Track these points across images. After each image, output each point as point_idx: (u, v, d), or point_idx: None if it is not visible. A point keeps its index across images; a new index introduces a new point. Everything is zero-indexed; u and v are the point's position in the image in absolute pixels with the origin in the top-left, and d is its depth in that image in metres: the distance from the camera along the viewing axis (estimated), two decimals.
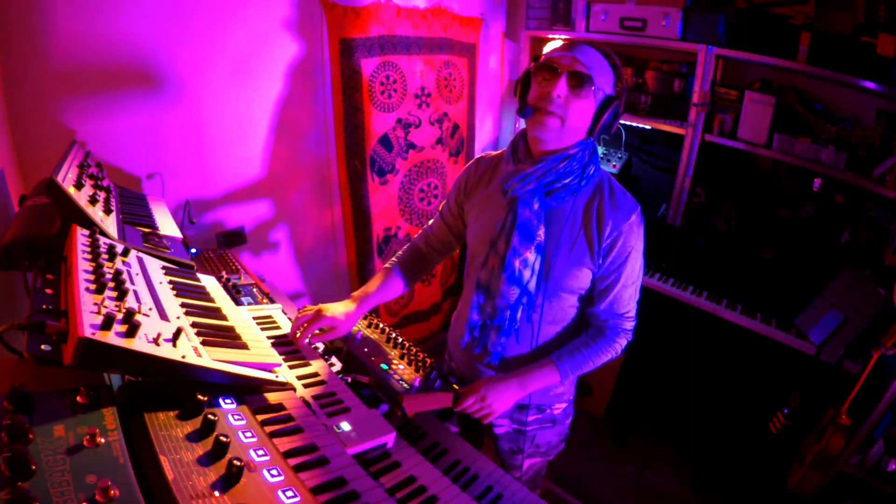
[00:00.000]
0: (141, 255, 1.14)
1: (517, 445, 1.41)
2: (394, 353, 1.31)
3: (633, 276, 1.21)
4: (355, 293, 1.37)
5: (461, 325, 1.34)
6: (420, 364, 1.28)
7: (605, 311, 1.23)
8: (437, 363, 1.33)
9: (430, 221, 1.49)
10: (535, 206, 1.16)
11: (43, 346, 0.73)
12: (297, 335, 1.24)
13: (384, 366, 1.23)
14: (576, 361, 1.22)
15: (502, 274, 1.20)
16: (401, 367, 1.26)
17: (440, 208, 1.46)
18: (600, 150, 2.92)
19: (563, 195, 1.17)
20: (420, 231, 1.52)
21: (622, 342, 1.25)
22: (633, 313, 1.25)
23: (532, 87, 1.14)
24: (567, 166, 1.14)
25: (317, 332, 1.26)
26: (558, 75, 1.08)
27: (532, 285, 1.20)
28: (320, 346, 1.30)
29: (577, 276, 1.19)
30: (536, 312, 1.24)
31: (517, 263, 1.18)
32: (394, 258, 1.47)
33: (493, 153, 1.35)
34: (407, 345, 1.37)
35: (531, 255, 1.17)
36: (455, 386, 1.23)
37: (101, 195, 1.27)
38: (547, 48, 1.15)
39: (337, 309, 1.29)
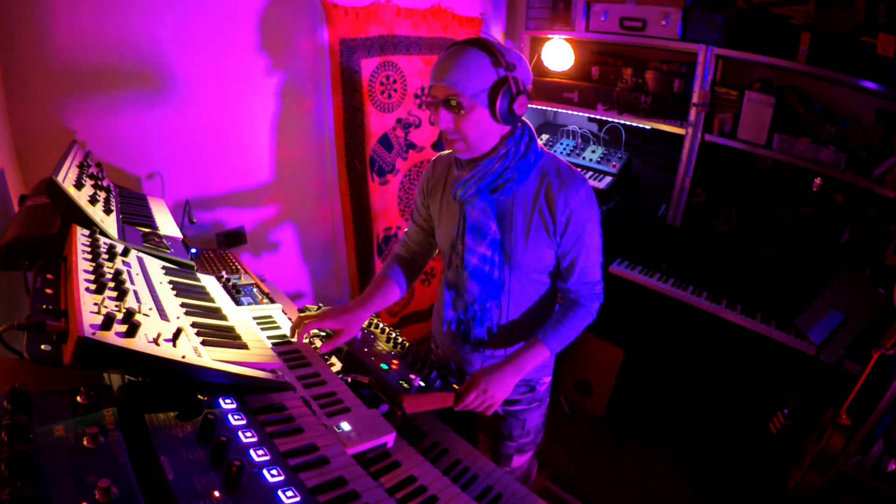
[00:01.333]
0: (141, 255, 1.14)
1: (508, 431, 1.45)
2: (394, 354, 1.31)
3: (593, 246, 1.27)
4: (355, 300, 1.38)
5: (441, 319, 1.42)
6: (420, 364, 1.28)
7: (576, 284, 1.29)
8: (436, 362, 1.34)
9: (406, 229, 1.53)
10: (482, 206, 1.22)
11: (43, 346, 0.73)
12: (299, 334, 1.25)
13: (384, 366, 1.23)
14: (560, 334, 1.27)
15: (464, 272, 1.28)
16: (401, 367, 1.26)
17: (411, 213, 1.50)
18: (599, 150, 2.92)
19: (509, 189, 1.22)
20: (400, 241, 1.54)
21: (596, 306, 1.32)
22: (599, 277, 1.32)
23: None
24: (502, 165, 1.19)
25: (322, 334, 1.27)
26: (437, 109, 1.15)
27: (495, 277, 1.27)
28: (319, 345, 1.30)
29: (540, 257, 1.26)
30: (508, 297, 1.31)
31: (475, 260, 1.25)
32: (383, 267, 1.48)
33: (449, 151, 1.37)
34: (407, 345, 1.37)
35: (487, 251, 1.24)
36: (455, 386, 1.23)
37: (101, 195, 1.27)
38: None
39: (341, 313, 1.29)
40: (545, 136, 3.14)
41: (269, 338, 1.22)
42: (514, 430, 1.45)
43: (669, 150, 2.70)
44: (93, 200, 1.21)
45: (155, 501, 0.62)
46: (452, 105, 1.12)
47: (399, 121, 2.49)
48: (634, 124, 2.70)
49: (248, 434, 0.77)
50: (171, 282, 1.11)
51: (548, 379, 1.46)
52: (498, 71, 1.11)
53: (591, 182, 2.74)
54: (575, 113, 2.91)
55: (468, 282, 1.28)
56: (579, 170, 1.29)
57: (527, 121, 1.24)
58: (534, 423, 1.47)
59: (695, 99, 2.45)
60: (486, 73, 1.10)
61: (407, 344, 1.38)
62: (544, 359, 1.28)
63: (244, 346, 1.01)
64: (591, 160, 2.89)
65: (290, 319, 1.40)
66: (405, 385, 1.16)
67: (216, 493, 0.64)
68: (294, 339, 1.26)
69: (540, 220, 1.22)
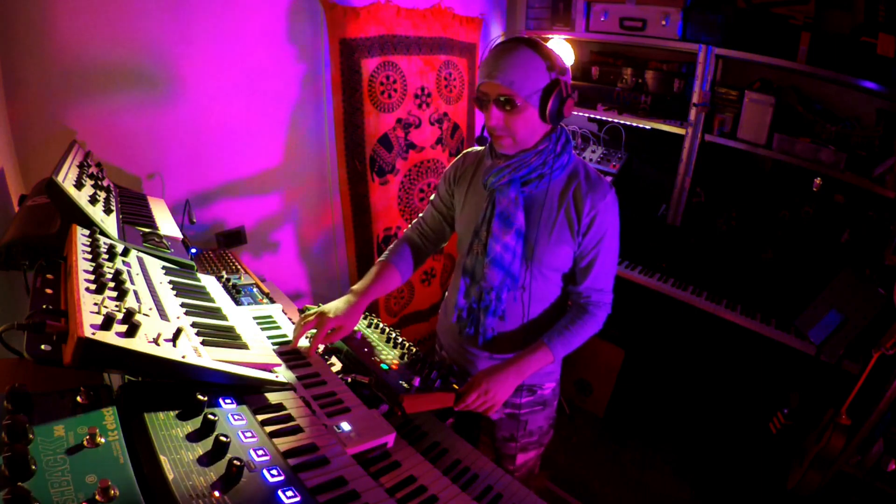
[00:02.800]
0: (141, 254, 1.14)
1: (510, 432, 1.45)
2: (394, 353, 1.31)
3: (611, 253, 1.29)
4: (354, 287, 1.39)
5: (451, 310, 1.42)
6: (420, 364, 1.28)
7: (588, 288, 1.31)
8: (436, 362, 1.34)
9: (422, 214, 1.55)
10: (513, 195, 1.24)
11: (43, 346, 0.72)
12: (307, 345, 1.24)
13: (384, 366, 1.23)
14: (565, 339, 1.28)
15: (485, 259, 1.29)
16: (401, 367, 1.26)
17: (431, 198, 1.53)
18: (599, 150, 2.92)
19: (540, 183, 1.25)
20: (411, 224, 1.56)
21: (603, 315, 1.33)
22: (610, 288, 1.34)
23: None
24: (539, 160, 1.23)
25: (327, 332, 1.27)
26: (488, 106, 1.17)
27: (514, 268, 1.28)
28: (320, 347, 1.30)
29: (560, 255, 1.28)
30: (524, 292, 1.32)
31: (498, 248, 1.26)
32: (387, 252, 1.49)
33: (479, 148, 1.44)
34: (407, 345, 1.37)
35: (511, 240, 1.26)
36: (455, 385, 1.23)
37: (102, 195, 1.27)
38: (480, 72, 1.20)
39: (339, 306, 1.30)
40: None
41: (269, 338, 1.22)
42: (517, 431, 1.45)
43: (669, 150, 2.70)
44: (93, 200, 1.21)
45: (155, 501, 0.62)
46: (503, 106, 1.15)
47: (399, 121, 2.49)
48: (634, 124, 2.70)
49: (248, 434, 0.78)
50: (171, 282, 1.11)
51: (551, 385, 1.46)
52: (551, 74, 1.15)
53: None
54: (575, 113, 2.91)
55: (488, 269, 1.29)
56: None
57: (563, 125, 1.28)
58: (537, 424, 1.47)
59: (695, 99, 2.45)
60: (541, 75, 1.14)
61: (407, 344, 1.38)
62: (547, 363, 1.28)
63: (244, 346, 1.01)
64: (591, 160, 2.89)
65: (290, 319, 1.40)
66: (405, 385, 1.16)
67: (216, 493, 0.64)
68: (304, 347, 1.25)
69: (566, 218, 1.25)
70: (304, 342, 1.26)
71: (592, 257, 1.27)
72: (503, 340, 1.37)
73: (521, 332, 1.36)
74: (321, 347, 1.29)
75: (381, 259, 1.47)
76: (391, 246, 1.51)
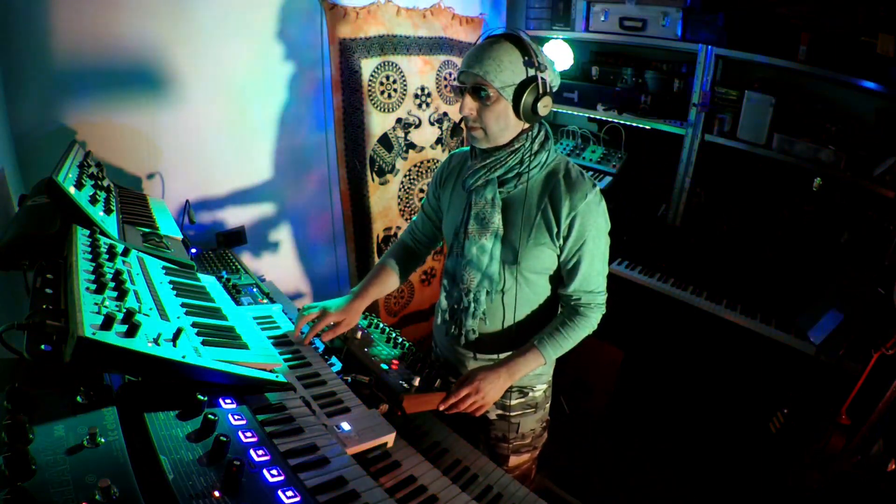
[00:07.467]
0: (141, 254, 1.14)
1: (501, 433, 1.45)
2: (394, 354, 1.31)
3: (598, 254, 1.25)
4: (354, 288, 1.42)
5: (438, 313, 1.42)
6: (420, 364, 1.28)
7: (577, 291, 1.27)
8: (434, 361, 1.34)
9: (415, 218, 1.55)
10: (490, 196, 1.23)
11: (43, 346, 0.72)
12: (303, 336, 1.27)
13: (384, 366, 1.23)
14: (556, 342, 1.26)
15: (462, 261, 1.28)
16: (401, 367, 1.26)
17: (421, 202, 1.52)
18: (599, 150, 2.92)
19: (518, 183, 1.23)
20: (406, 227, 1.57)
21: (596, 316, 1.30)
22: (602, 287, 1.30)
23: None
24: (515, 158, 1.21)
25: (327, 328, 1.29)
26: (463, 94, 1.16)
27: (493, 270, 1.26)
28: (320, 346, 1.30)
29: (540, 257, 1.25)
30: (506, 295, 1.30)
31: (475, 250, 1.25)
32: (385, 254, 1.51)
33: (466, 149, 1.41)
34: (407, 345, 1.37)
35: (488, 242, 1.24)
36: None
37: (102, 195, 1.27)
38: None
39: (340, 304, 1.33)
40: None
41: (269, 338, 1.23)
42: (508, 433, 1.44)
43: (669, 150, 2.70)
44: (93, 200, 1.21)
45: (155, 501, 0.62)
46: (479, 94, 1.14)
47: (399, 121, 2.49)
48: (634, 124, 2.70)
49: (248, 434, 0.78)
50: (171, 282, 1.11)
51: (542, 387, 1.45)
52: (528, 70, 1.13)
53: None
54: (575, 113, 2.91)
55: (465, 271, 1.28)
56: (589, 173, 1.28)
57: (544, 122, 1.26)
58: (529, 427, 1.45)
59: (695, 99, 2.45)
60: (517, 69, 1.13)
61: (407, 344, 1.38)
62: (538, 366, 1.27)
63: (244, 346, 1.01)
64: (591, 160, 2.89)
65: (290, 320, 1.40)
66: (405, 385, 1.16)
67: (216, 493, 0.64)
68: (301, 336, 1.28)
69: (543, 220, 1.22)
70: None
71: (577, 260, 1.23)
72: (486, 342, 1.36)
73: (505, 334, 1.34)
74: (320, 346, 1.29)
75: (378, 262, 1.49)
76: (388, 249, 1.52)
